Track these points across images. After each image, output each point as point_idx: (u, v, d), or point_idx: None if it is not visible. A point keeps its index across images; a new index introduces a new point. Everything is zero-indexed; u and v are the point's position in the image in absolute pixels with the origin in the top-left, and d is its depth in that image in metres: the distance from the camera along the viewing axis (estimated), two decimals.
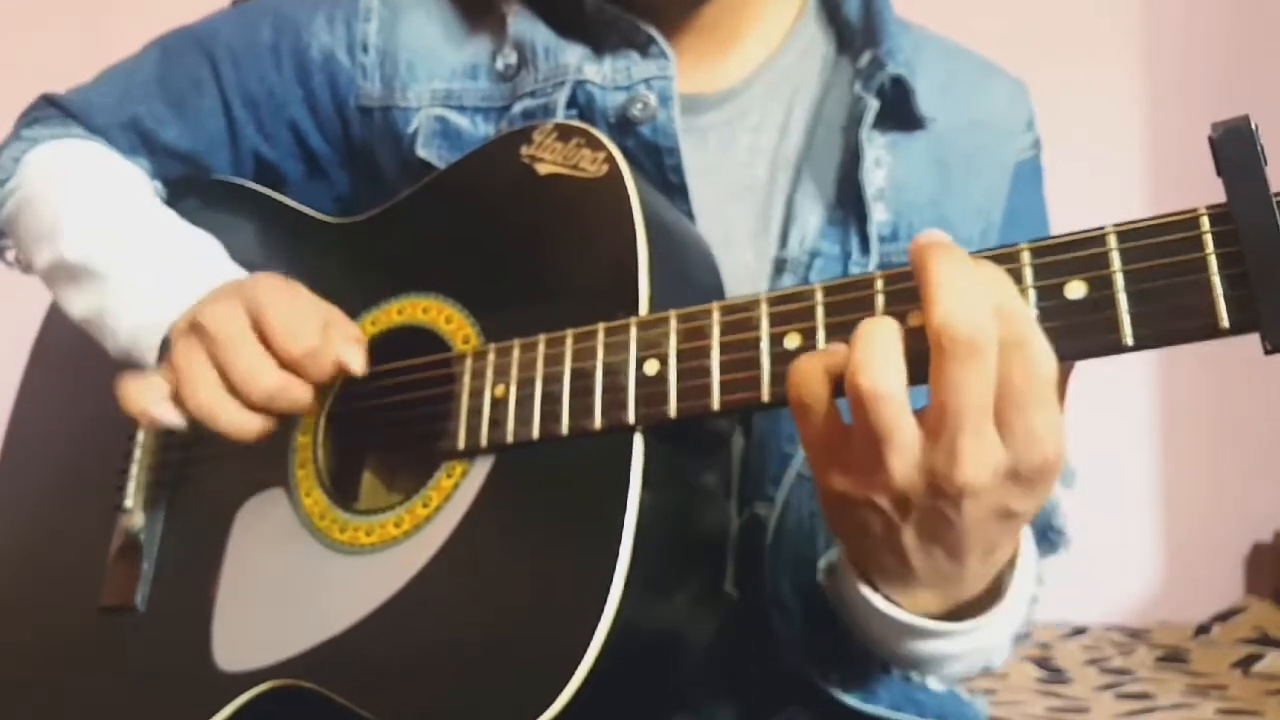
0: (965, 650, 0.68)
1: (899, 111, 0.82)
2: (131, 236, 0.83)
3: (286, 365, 0.71)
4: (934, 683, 0.78)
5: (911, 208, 0.81)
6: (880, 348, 0.53)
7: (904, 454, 0.53)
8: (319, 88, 0.88)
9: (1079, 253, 0.52)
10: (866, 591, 0.64)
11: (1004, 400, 0.51)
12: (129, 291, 0.80)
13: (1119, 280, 0.51)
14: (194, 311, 0.73)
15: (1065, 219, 0.91)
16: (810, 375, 0.56)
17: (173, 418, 0.72)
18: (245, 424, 0.71)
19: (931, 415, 0.52)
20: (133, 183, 0.89)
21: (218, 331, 0.71)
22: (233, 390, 0.71)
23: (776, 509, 0.78)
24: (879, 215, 0.80)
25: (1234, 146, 0.49)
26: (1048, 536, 0.81)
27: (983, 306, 0.51)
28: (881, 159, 0.81)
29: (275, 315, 0.71)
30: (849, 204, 0.80)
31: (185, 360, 0.71)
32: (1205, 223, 0.50)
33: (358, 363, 0.72)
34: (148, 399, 0.72)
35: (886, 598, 0.64)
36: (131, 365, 0.79)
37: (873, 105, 0.80)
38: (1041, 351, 0.51)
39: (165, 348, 0.76)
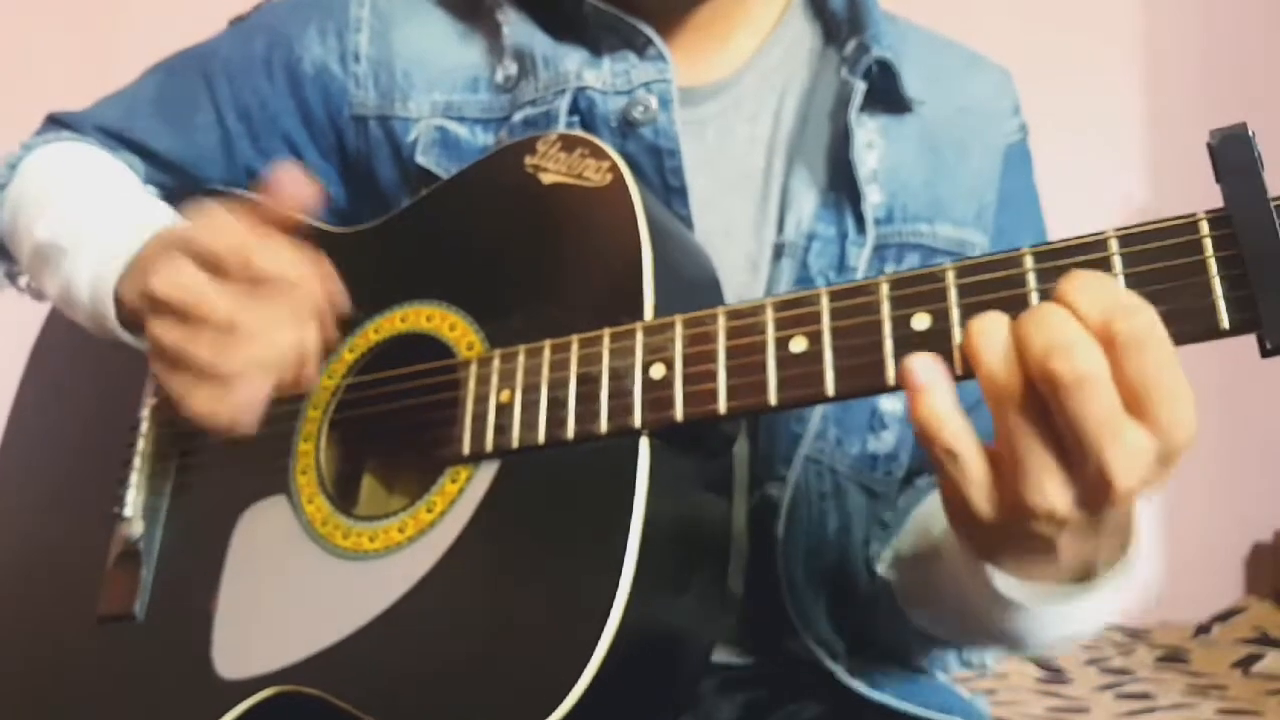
0: (1091, 614, 0.66)
1: (886, 94, 0.83)
2: (95, 210, 0.83)
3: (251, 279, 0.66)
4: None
5: (905, 189, 0.83)
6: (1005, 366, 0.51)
7: (1052, 476, 0.52)
8: (312, 99, 0.89)
9: (1081, 257, 0.53)
10: (1001, 580, 0.62)
11: (1144, 395, 0.49)
12: (88, 256, 0.79)
13: (1121, 284, 0.52)
14: (144, 285, 0.68)
15: (1067, 209, 0.92)
16: (950, 416, 0.53)
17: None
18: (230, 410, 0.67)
19: (1067, 437, 0.51)
20: (112, 168, 0.90)
21: (176, 298, 0.66)
22: (221, 335, 0.66)
23: (789, 489, 0.79)
24: (874, 197, 0.81)
25: (1232, 152, 0.50)
26: None
27: (1072, 328, 0.50)
28: (874, 142, 0.83)
29: (222, 247, 0.65)
30: (842, 186, 0.81)
31: (169, 343, 0.67)
32: (1204, 227, 0.51)
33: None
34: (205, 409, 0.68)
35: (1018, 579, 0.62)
36: (102, 332, 0.78)
37: (859, 88, 0.82)
38: (1165, 338, 0.50)
39: (119, 302, 0.75)
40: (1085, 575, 0.61)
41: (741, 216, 0.83)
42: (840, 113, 0.83)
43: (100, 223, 0.81)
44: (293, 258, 0.67)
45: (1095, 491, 0.52)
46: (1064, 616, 0.64)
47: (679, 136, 0.80)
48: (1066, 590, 0.62)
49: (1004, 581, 0.62)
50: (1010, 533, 0.56)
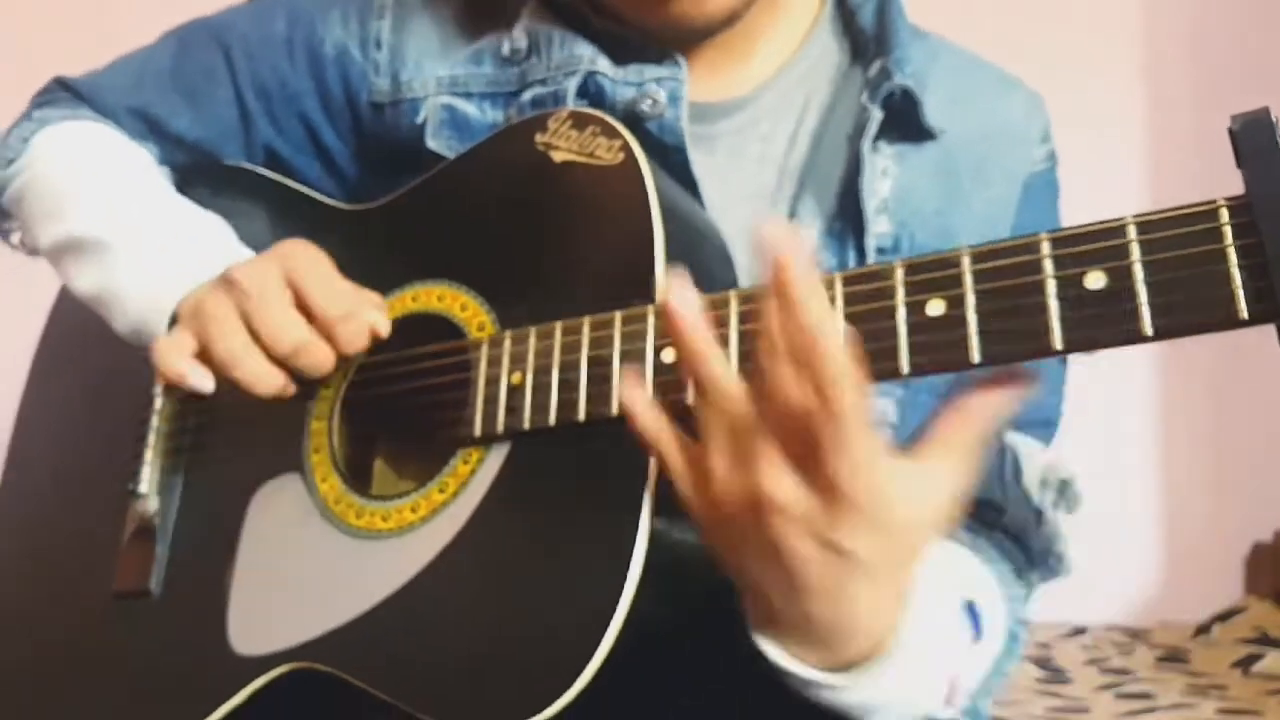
0: (871, 702, 0.63)
1: (906, 123, 0.81)
2: (140, 212, 0.84)
3: (318, 325, 0.72)
4: None
5: (916, 218, 0.81)
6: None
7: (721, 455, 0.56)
8: (332, 81, 0.89)
9: (1099, 243, 0.52)
10: (756, 636, 0.61)
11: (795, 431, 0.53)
12: (138, 266, 0.80)
13: (1138, 271, 0.51)
14: (226, 269, 0.74)
15: (1067, 209, 0.91)
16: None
17: (200, 380, 0.73)
18: (263, 376, 0.72)
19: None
20: (140, 163, 0.90)
21: (250, 285, 0.72)
22: (258, 342, 0.72)
23: None
24: (880, 227, 0.79)
25: (1254, 137, 0.49)
26: (1048, 563, 0.81)
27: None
28: (888, 170, 0.81)
29: (311, 276, 0.72)
30: (848, 216, 0.80)
31: (214, 308, 0.73)
32: (1224, 214, 0.50)
33: (385, 327, 0.75)
34: (175, 360, 0.73)
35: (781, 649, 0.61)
36: (141, 341, 0.80)
37: (876, 116, 0.80)
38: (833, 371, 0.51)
39: (173, 324, 0.77)
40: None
41: (745, 234, 0.81)
42: (856, 139, 0.81)
43: (147, 234, 0.82)
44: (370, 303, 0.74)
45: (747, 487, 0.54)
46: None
47: (686, 138, 0.79)
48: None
49: (770, 647, 0.61)
50: (749, 543, 0.57)
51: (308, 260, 0.74)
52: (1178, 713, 1.91)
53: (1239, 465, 2.72)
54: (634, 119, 0.79)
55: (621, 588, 0.61)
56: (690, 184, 0.79)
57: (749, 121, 0.85)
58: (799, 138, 0.84)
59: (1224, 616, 2.46)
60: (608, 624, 0.60)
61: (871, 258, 0.79)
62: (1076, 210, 0.56)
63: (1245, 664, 2.17)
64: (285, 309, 0.72)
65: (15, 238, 0.93)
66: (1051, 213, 0.89)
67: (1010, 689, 2.03)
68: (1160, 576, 2.74)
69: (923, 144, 0.82)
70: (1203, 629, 2.43)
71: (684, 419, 0.63)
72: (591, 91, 0.81)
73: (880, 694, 0.61)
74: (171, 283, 0.78)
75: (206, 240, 0.82)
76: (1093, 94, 2.68)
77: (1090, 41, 2.77)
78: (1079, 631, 2.43)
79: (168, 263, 0.79)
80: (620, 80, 0.80)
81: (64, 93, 0.94)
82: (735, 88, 0.85)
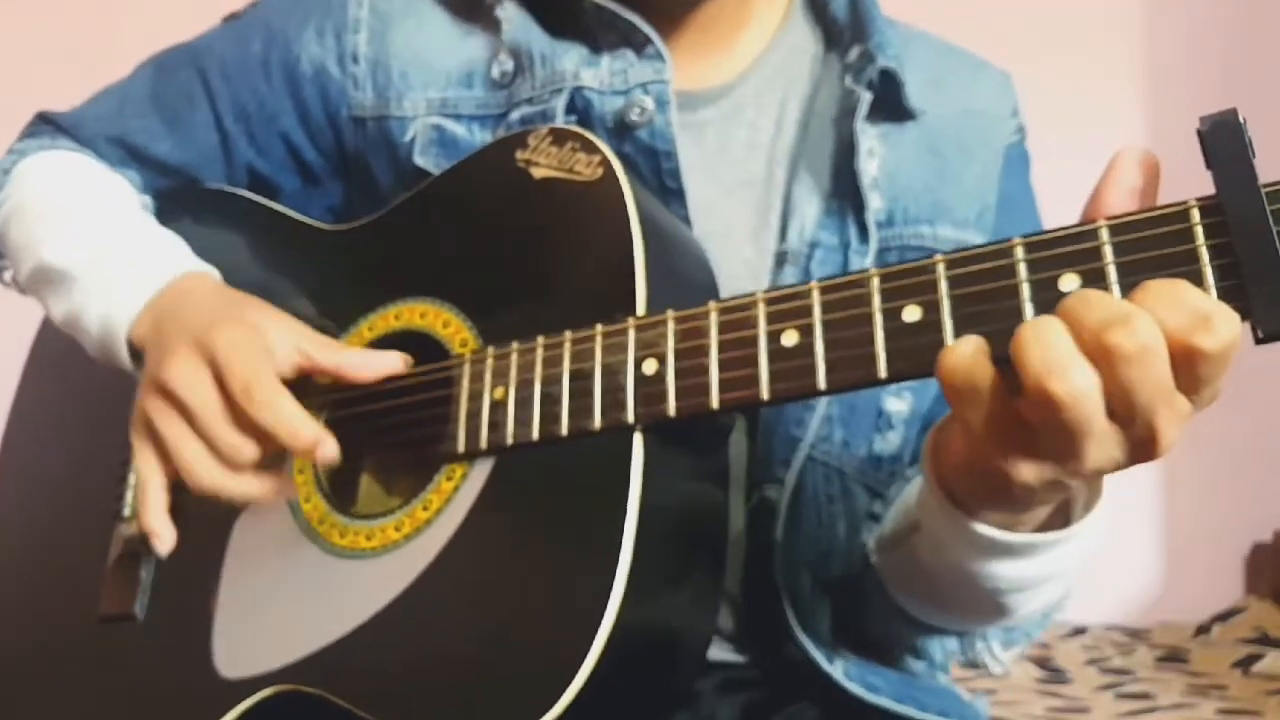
0: (1061, 566, 0.69)
1: (889, 104, 0.83)
2: (104, 239, 0.84)
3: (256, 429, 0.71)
4: (998, 649, 0.84)
5: (907, 193, 0.83)
6: (1059, 348, 0.49)
7: (1103, 442, 0.51)
8: (310, 99, 0.89)
9: (1072, 246, 0.53)
10: (984, 529, 0.63)
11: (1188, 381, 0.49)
12: (97, 293, 0.81)
13: (1112, 273, 0.51)
14: (157, 370, 0.73)
15: (1063, 212, 0.92)
16: (974, 362, 0.52)
17: (167, 542, 0.75)
18: (254, 493, 0.72)
19: (1119, 409, 0.50)
20: (112, 189, 0.90)
21: (188, 400, 0.71)
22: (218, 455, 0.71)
23: (787, 491, 0.79)
24: (874, 203, 0.81)
25: (1222, 139, 0.49)
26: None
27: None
28: (874, 149, 0.83)
29: (237, 374, 0.70)
30: (845, 194, 0.81)
31: (165, 429, 0.72)
32: (1195, 215, 0.50)
33: (367, 370, 0.74)
34: (161, 533, 0.74)
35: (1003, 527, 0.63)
36: (109, 363, 0.80)
37: (865, 98, 0.82)
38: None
39: (133, 347, 0.78)
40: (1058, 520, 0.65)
41: (740, 222, 0.83)
42: (845, 121, 0.83)
43: (113, 260, 0.82)
44: (290, 417, 0.70)
45: (1140, 451, 0.52)
46: (1050, 560, 0.67)
47: (675, 139, 0.80)
48: (1046, 537, 0.65)
49: (987, 529, 0.63)
50: (1024, 495, 0.57)
51: (231, 349, 0.71)
52: (1178, 713, 1.91)
53: (1239, 465, 2.71)
54: (625, 128, 0.80)
55: (608, 599, 0.61)
56: (678, 191, 0.79)
57: (733, 108, 0.86)
58: (784, 124, 0.86)
59: (1224, 616, 2.45)
60: (595, 635, 0.60)
61: (872, 231, 0.80)
62: (1075, 210, 0.56)
63: (1245, 664, 2.17)
64: (225, 425, 0.71)
65: (7, 275, 0.93)
66: (1026, 181, 0.92)
67: (1010, 689, 2.02)
68: (1160, 576, 2.74)
69: (904, 124, 0.84)
70: (1203, 629, 2.42)
71: None
72: (579, 107, 0.81)
73: (1085, 545, 0.68)
74: (123, 308, 0.79)
75: (155, 259, 0.82)
76: (1093, 94, 2.69)
77: (1090, 42, 2.78)
78: (1079, 631, 2.42)
79: (122, 288, 0.80)
80: (607, 91, 0.81)
81: (46, 126, 0.95)
82: (718, 75, 0.86)
